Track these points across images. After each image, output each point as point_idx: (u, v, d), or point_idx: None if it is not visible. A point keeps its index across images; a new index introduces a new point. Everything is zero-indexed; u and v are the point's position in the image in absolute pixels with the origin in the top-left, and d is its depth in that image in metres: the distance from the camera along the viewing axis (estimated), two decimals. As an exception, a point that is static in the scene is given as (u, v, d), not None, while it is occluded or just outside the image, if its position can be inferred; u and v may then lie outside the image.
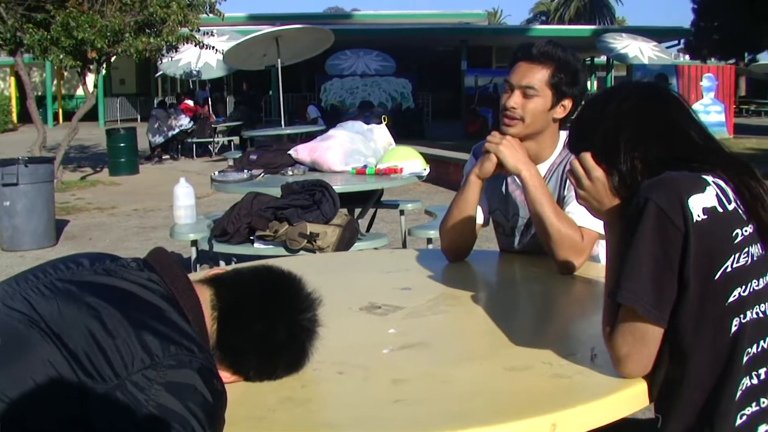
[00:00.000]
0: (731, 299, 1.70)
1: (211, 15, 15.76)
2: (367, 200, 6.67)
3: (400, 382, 1.82)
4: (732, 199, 1.75)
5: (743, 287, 1.71)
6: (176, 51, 16.58)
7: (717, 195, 1.73)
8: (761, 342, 1.73)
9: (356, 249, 5.03)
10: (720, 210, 1.71)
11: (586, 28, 37.72)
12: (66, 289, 1.53)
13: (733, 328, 1.71)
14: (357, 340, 2.17)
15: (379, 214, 7.66)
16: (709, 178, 1.76)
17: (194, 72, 21.82)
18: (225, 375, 1.72)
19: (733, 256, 1.70)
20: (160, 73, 27.12)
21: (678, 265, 1.69)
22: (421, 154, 6.93)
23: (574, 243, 2.69)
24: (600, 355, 1.87)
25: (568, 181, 2.80)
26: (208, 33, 16.44)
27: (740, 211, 1.75)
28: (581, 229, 2.71)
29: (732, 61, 39.00)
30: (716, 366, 1.72)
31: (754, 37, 35.46)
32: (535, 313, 2.60)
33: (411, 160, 6.55)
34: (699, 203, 1.69)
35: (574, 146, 2.01)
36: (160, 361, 1.45)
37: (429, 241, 6.05)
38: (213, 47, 16.87)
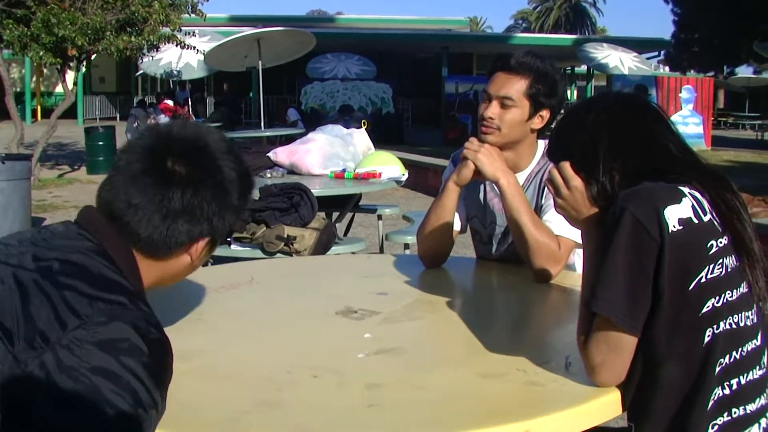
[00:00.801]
0: (705, 310, 1.71)
1: (193, 15, 15.71)
2: (345, 204, 6.67)
3: (374, 387, 1.82)
4: (708, 210, 1.76)
5: (717, 298, 1.72)
6: (157, 50, 16.50)
7: (693, 206, 1.74)
8: (733, 353, 1.74)
9: (333, 253, 5.03)
10: (695, 221, 1.72)
11: (567, 38, 37.96)
12: None
13: (707, 339, 1.72)
14: (332, 344, 2.17)
15: (357, 218, 7.66)
16: (686, 190, 1.77)
17: (175, 72, 21.75)
18: (199, 246, 1.69)
19: (707, 267, 1.71)
20: (141, 72, 27.01)
21: (653, 275, 1.70)
22: (400, 159, 6.94)
23: (550, 251, 2.70)
24: (574, 363, 1.88)
25: (545, 189, 2.82)
26: (189, 33, 16.37)
27: (715, 222, 1.77)
28: (558, 237, 2.72)
29: (711, 73, 39.24)
30: (689, 376, 1.73)
31: (734, 50, 35.76)
32: (510, 321, 2.61)
33: (390, 165, 6.56)
34: (675, 214, 1.71)
35: (553, 155, 2.02)
36: (90, 320, 1.40)
37: (406, 246, 6.05)
38: (194, 47, 16.81)
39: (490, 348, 2.07)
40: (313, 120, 20.88)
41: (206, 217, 1.66)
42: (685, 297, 1.71)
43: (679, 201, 1.74)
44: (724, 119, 40.89)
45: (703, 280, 1.71)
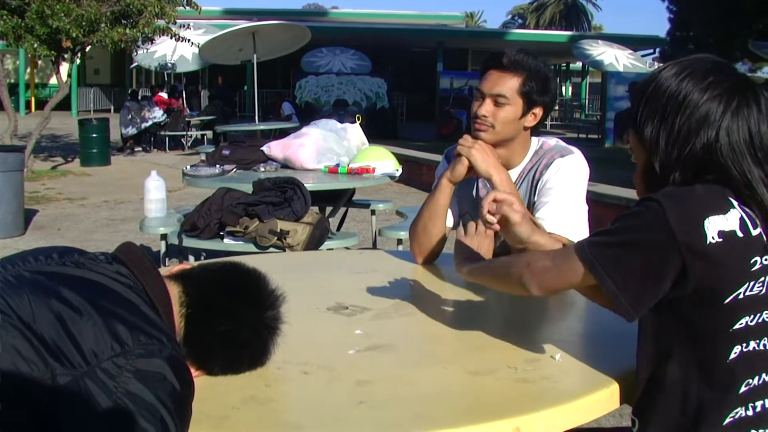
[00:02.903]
0: (737, 326, 1.65)
1: (188, 8, 15.74)
2: (339, 199, 6.67)
3: (364, 384, 1.82)
4: (759, 224, 1.65)
5: (752, 316, 1.65)
6: (152, 43, 16.51)
7: (741, 218, 1.63)
8: (763, 375, 1.68)
9: (326, 248, 5.02)
10: (740, 235, 1.61)
11: (562, 34, 37.92)
12: (35, 280, 1.53)
13: (732, 355, 1.66)
14: (323, 340, 2.17)
15: (350, 213, 7.66)
16: (736, 202, 1.65)
17: (169, 64, 21.72)
18: (195, 372, 1.73)
19: (747, 284, 1.63)
20: (135, 64, 26.96)
21: (668, 279, 1.61)
22: (394, 154, 6.94)
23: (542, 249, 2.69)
24: (565, 361, 1.88)
25: (538, 186, 2.82)
26: (184, 26, 16.38)
27: (765, 238, 1.65)
28: (550, 235, 2.71)
29: (705, 71, 39.14)
30: (706, 388, 1.68)
31: (728, 49, 35.78)
32: (501, 318, 2.60)
33: (384, 160, 6.56)
34: (716, 226, 1.60)
35: (630, 105, 1.89)
36: (130, 350, 1.44)
37: (399, 241, 6.05)
38: (189, 40, 16.81)
39: (481, 345, 2.08)
40: (308, 114, 20.89)
41: (236, 368, 1.83)
42: (719, 310, 1.63)
43: (725, 211, 1.62)
44: (719, 117, 40.82)
45: (741, 296, 1.62)
